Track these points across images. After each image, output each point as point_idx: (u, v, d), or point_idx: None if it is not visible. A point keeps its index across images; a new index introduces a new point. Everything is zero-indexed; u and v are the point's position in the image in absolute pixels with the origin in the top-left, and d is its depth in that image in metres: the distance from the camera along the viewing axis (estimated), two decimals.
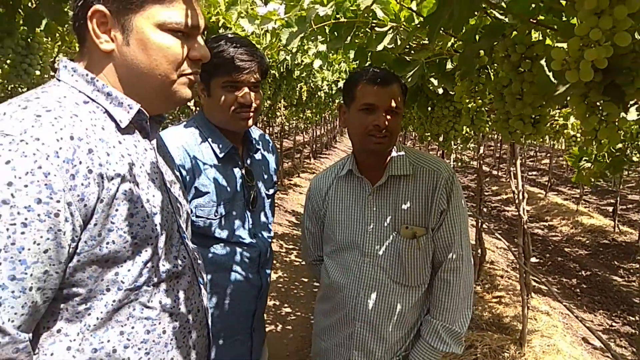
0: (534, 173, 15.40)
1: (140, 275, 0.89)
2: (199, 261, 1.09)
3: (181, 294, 0.98)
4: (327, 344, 1.63)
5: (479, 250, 4.75)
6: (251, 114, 1.52)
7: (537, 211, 9.72)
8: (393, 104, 1.45)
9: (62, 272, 0.81)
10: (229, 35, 1.52)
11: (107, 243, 0.84)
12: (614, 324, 4.75)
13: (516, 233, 3.41)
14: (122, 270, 0.87)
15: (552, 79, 0.89)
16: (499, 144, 15.04)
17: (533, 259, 6.71)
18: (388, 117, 1.45)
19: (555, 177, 12.45)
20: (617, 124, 0.85)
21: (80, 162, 0.80)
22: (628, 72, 0.82)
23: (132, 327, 0.90)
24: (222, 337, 1.54)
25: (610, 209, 8.56)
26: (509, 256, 6.38)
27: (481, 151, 4.93)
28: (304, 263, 5.62)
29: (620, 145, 1.66)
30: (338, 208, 1.61)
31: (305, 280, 5.13)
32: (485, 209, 9.91)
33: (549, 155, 14.15)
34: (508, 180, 3.17)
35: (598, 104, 0.85)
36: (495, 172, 14.24)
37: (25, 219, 0.74)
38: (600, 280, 5.98)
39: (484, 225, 5.08)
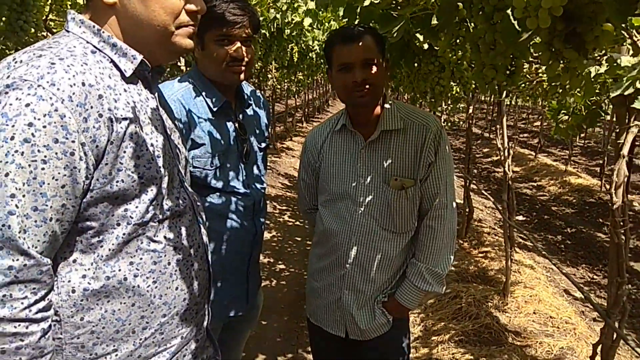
0: (525, 135, 15.53)
1: (147, 212, 0.98)
2: (198, 203, 1.17)
3: (183, 230, 1.08)
4: (319, 284, 1.76)
5: (467, 209, 4.89)
6: (243, 67, 1.58)
7: (527, 172, 9.89)
8: (366, 56, 1.51)
9: (78, 206, 0.89)
10: None
11: (117, 181, 0.92)
12: (595, 277, 4.97)
13: (503, 192, 3.53)
14: (130, 207, 0.95)
15: (518, 28, 0.96)
16: (490, 107, 15.10)
17: (520, 217, 6.90)
18: (365, 70, 1.51)
19: (546, 139, 12.59)
20: (577, 69, 0.93)
21: (92, 107, 0.87)
22: (588, 21, 0.90)
23: (141, 258, 0.99)
24: (220, 279, 1.65)
25: (599, 169, 8.73)
26: (497, 215, 6.56)
27: (470, 112, 5.00)
28: (297, 223, 5.77)
29: (595, 99, 1.75)
30: (332, 160, 1.70)
31: (299, 239, 5.28)
32: (475, 170, 10.06)
33: (540, 117, 14.25)
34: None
35: (561, 50, 0.93)
36: (486, 135, 14.35)
37: (45, 156, 0.82)
38: (585, 236, 6.18)
39: (473, 185, 5.21)
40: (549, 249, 5.72)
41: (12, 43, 1.77)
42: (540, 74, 2.94)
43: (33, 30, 1.82)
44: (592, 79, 1.62)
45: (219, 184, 1.62)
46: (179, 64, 3.83)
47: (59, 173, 0.84)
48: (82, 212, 0.91)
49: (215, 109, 1.60)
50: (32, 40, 1.91)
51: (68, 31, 0.98)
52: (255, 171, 1.76)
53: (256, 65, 6.74)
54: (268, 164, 1.83)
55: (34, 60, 0.85)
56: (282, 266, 4.53)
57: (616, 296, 1.62)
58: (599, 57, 1.63)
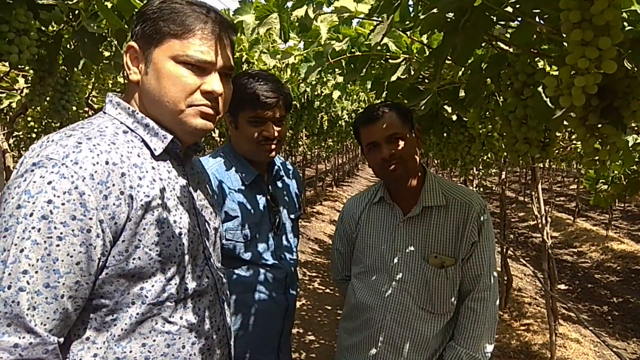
0: (562, 199, 15.12)
1: (164, 291, 0.96)
2: (224, 281, 1.14)
3: (203, 312, 1.04)
4: None
5: (505, 277, 4.68)
6: (274, 146, 1.61)
7: (566, 237, 9.52)
8: (390, 132, 1.52)
9: (92, 283, 0.89)
10: (257, 72, 1.62)
11: (134, 259, 0.92)
12: None
13: (543, 259, 3.38)
14: (146, 285, 0.94)
15: (550, 105, 0.94)
16: (523, 170, 14.87)
17: (562, 286, 6.56)
18: (392, 146, 1.52)
19: (584, 203, 12.21)
20: (616, 144, 0.89)
21: (114, 185, 0.88)
22: (624, 96, 0.87)
23: (154, 340, 0.96)
24: (249, 357, 1.58)
25: None
26: (537, 283, 6.25)
27: (503, 177, 4.92)
28: (327, 291, 5.63)
29: (635, 167, 1.68)
30: (369, 232, 1.67)
31: (329, 307, 5.13)
32: (512, 236, 9.75)
33: (576, 180, 13.90)
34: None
35: (597, 126, 0.90)
36: (521, 198, 14.04)
37: (61, 233, 0.83)
38: (633, 307, 5.80)
39: (510, 252, 5.02)
40: (595, 321, 5.37)
41: (58, 119, 1.86)
42: (574, 140, 2.89)
43: (74, 108, 1.91)
44: (631, 148, 1.57)
45: (249, 256, 1.60)
46: (212, 134, 3.94)
47: (74, 250, 0.84)
48: (96, 289, 0.90)
49: (247, 183, 1.62)
50: (74, 117, 2.00)
51: (105, 112, 1.02)
52: (286, 242, 1.74)
53: (287, 134, 6.91)
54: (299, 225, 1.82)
55: (63, 140, 0.89)
56: (312, 337, 4.37)
57: None
58: (636, 127, 1.59)
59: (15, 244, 0.81)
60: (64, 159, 0.85)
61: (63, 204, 0.83)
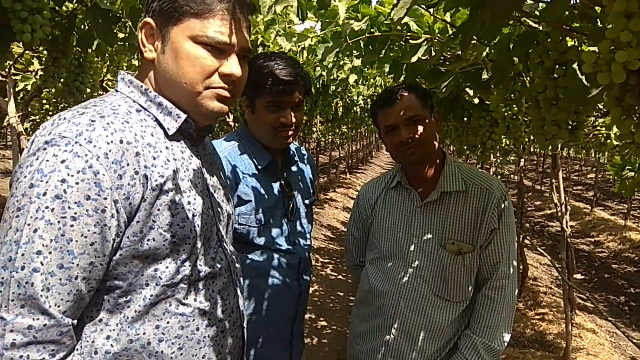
0: (580, 188, 14.91)
1: (178, 273, 0.94)
2: (237, 265, 1.12)
3: (216, 294, 1.02)
4: (361, 348, 1.65)
5: (521, 266, 4.63)
6: (291, 132, 1.57)
7: (583, 226, 9.40)
8: (409, 115, 1.48)
9: (106, 265, 0.87)
10: (275, 54, 1.58)
11: (148, 240, 0.90)
12: None
13: (560, 249, 3.31)
14: (160, 267, 0.92)
15: (586, 83, 0.89)
16: (541, 158, 14.67)
17: (578, 276, 6.47)
18: (410, 129, 1.48)
19: (602, 192, 12.02)
20: None
21: (128, 164, 0.86)
22: None
23: (168, 322, 0.94)
24: (261, 343, 1.57)
25: None
26: (553, 272, 6.18)
27: (522, 164, 4.83)
28: (340, 277, 5.63)
29: None
30: (385, 217, 1.64)
31: (341, 294, 5.13)
32: (528, 225, 9.65)
33: (594, 169, 13.69)
34: (551, 194, 3.09)
35: (634, 106, 0.85)
36: (538, 187, 13.87)
37: (75, 213, 0.81)
38: None
39: (526, 241, 4.96)
40: (612, 311, 5.29)
41: (73, 102, 1.85)
42: (598, 126, 2.81)
43: (89, 90, 1.89)
44: None
45: (263, 241, 1.58)
46: (227, 119, 3.91)
47: (88, 230, 0.83)
48: (110, 270, 0.89)
49: (261, 167, 1.59)
50: (88, 99, 1.98)
51: (117, 91, 0.99)
52: (299, 228, 1.71)
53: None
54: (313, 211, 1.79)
55: (76, 118, 0.87)
56: (324, 323, 4.37)
57: None
58: None
59: (29, 224, 0.79)
60: (77, 137, 0.83)
61: (77, 183, 0.81)
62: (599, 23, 0.98)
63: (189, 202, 0.96)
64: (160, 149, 0.94)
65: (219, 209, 1.09)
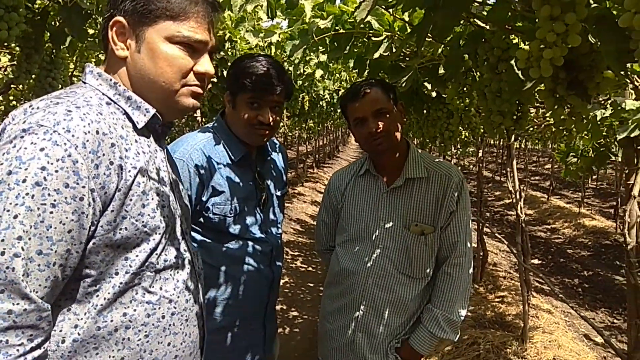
0: (537, 178, 15.48)
1: (146, 261, 0.98)
2: (199, 257, 1.18)
3: (180, 284, 1.06)
4: (332, 325, 1.76)
5: (481, 253, 4.85)
6: (267, 132, 1.64)
7: (540, 214, 9.80)
8: (376, 107, 1.60)
9: (82, 252, 0.89)
10: (262, 56, 1.64)
11: (121, 229, 0.93)
12: (615, 321, 4.83)
13: (517, 235, 3.51)
14: (131, 255, 0.95)
15: (522, 77, 1.02)
16: (500, 150, 15.15)
17: (536, 261, 6.79)
18: (378, 121, 1.59)
19: (558, 181, 12.54)
20: (581, 114, 0.98)
21: (104, 154, 0.89)
22: (589, 69, 0.95)
23: (134, 310, 0.97)
24: (237, 326, 1.65)
25: (612, 210, 8.64)
26: (512, 259, 6.47)
27: (480, 155, 5.05)
28: (310, 269, 5.74)
29: (603, 141, 1.79)
30: (354, 203, 1.75)
31: (312, 285, 5.24)
32: (488, 213, 10.00)
33: (550, 160, 14.25)
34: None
35: (564, 97, 0.98)
36: (497, 178, 14.33)
37: (55, 200, 0.83)
38: (602, 279, 6.05)
39: (486, 229, 5.19)
40: (567, 293, 5.60)
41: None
42: (547, 118, 3.00)
43: (60, 86, 1.92)
44: (599, 122, 1.66)
45: (237, 230, 1.65)
46: (195, 115, 3.94)
47: (66, 218, 0.84)
48: (82, 259, 0.91)
49: (235, 160, 1.66)
50: None
51: (85, 82, 1.01)
52: (272, 217, 1.80)
53: None
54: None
55: (51, 107, 0.88)
56: (295, 313, 4.48)
57: (637, 339, 1.60)
58: (603, 101, 1.68)
59: (8, 210, 0.80)
60: (55, 126, 0.84)
61: (57, 171, 0.83)
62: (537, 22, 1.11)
63: (157, 194, 1.00)
64: (131, 141, 0.97)
65: (181, 203, 1.14)
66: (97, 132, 0.89)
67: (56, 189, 0.83)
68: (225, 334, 1.65)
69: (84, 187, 0.86)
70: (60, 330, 0.91)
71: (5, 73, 2.30)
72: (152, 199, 0.98)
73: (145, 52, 0.99)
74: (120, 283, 0.94)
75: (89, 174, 0.86)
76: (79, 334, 0.91)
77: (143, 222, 0.95)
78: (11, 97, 2.57)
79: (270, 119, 1.61)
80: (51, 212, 0.83)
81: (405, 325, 1.69)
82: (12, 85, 2.30)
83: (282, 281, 5.14)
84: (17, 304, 0.80)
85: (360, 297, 1.68)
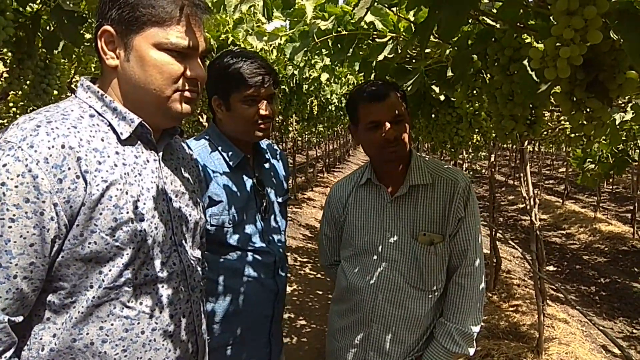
0: (551, 182, 15.26)
1: (120, 276, 0.96)
2: (196, 269, 1.13)
3: (164, 299, 1.03)
4: (341, 344, 1.67)
5: (494, 259, 4.72)
6: (269, 124, 1.60)
7: (555, 219, 9.62)
8: (394, 113, 1.50)
9: (48, 265, 0.91)
10: (240, 51, 1.59)
11: (89, 243, 0.92)
12: (634, 331, 4.68)
13: (531, 241, 3.40)
14: (104, 270, 0.95)
15: (536, 79, 0.93)
16: (513, 154, 14.96)
17: (551, 267, 6.64)
18: (394, 127, 1.50)
19: (572, 185, 12.32)
20: (602, 119, 0.88)
21: (69, 168, 0.89)
22: (610, 69, 0.86)
23: (112, 324, 0.96)
24: (240, 342, 1.57)
25: (629, 215, 8.44)
26: (526, 265, 6.32)
27: (493, 160, 4.93)
28: (318, 276, 5.65)
29: (622, 146, 1.68)
30: (358, 215, 1.66)
31: (320, 292, 5.15)
32: (501, 219, 9.83)
33: (565, 163, 14.02)
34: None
35: (583, 100, 0.89)
36: (510, 182, 14.14)
37: (14, 215, 0.85)
38: (620, 287, 5.89)
39: (499, 235, 5.06)
40: (583, 301, 5.44)
41: (40, 104, 1.81)
42: (562, 121, 2.89)
43: (56, 92, 1.87)
44: (618, 127, 1.56)
45: (237, 242, 1.58)
46: (200, 119, 3.90)
47: (27, 232, 0.86)
48: (54, 272, 0.92)
49: (233, 165, 1.59)
50: (56, 101, 1.95)
51: (76, 96, 1.02)
52: (274, 225, 1.72)
53: (277, 119, 6.88)
54: (289, 215, 1.80)
55: (25, 123, 0.90)
56: (303, 322, 4.39)
57: None
58: (623, 104, 1.58)
59: None
60: (20, 142, 0.86)
61: (16, 187, 0.85)
62: (552, 20, 1.02)
63: (136, 207, 0.98)
64: (109, 154, 0.96)
65: (180, 213, 1.10)
66: (63, 146, 0.89)
67: (15, 204, 0.85)
68: (225, 351, 1.57)
69: (44, 201, 0.87)
70: (41, 339, 0.93)
71: (2, 80, 2.27)
72: (127, 212, 0.96)
73: (135, 60, 0.99)
74: (94, 297, 0.94)
75: (51, 188, 0.87)
76: (55, 344, 0.93)
77: (114, 236, 0.94)
78: (11, 104, 2.53)
79: (270, 111, 1.57)
80: (10, 227, 0.85)
81: (418, 341, 1.59)
82: (11, 92, 2.26)
83: (289, 289, 5.08)
84: None
85: (370, 313, 1.59)
